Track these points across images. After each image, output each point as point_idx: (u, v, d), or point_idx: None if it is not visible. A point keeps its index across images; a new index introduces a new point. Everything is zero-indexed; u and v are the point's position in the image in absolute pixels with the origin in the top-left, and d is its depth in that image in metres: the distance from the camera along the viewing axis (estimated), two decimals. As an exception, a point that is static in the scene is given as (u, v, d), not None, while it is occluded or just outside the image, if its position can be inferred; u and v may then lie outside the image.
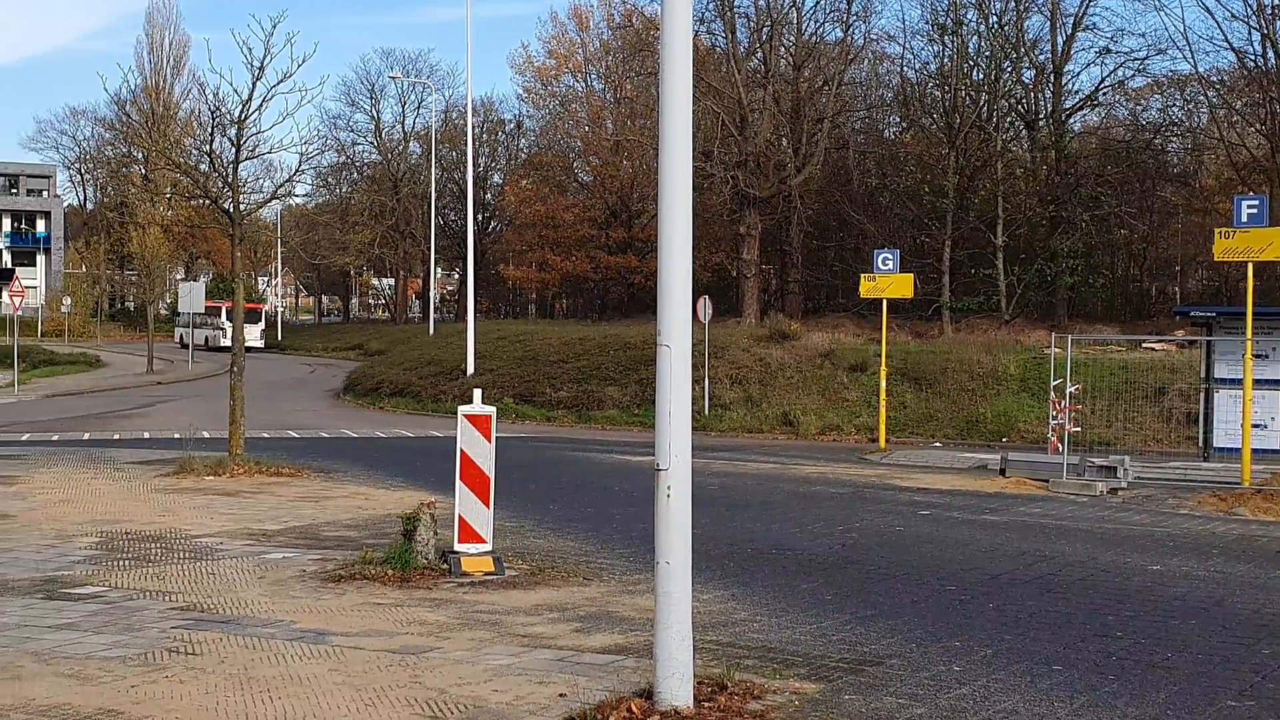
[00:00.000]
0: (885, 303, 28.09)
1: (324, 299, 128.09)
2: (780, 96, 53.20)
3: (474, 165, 54.56)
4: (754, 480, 20.88)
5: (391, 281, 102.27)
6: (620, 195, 69.70)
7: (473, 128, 49.07)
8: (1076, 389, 21.86)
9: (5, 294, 71.62)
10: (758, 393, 33.54)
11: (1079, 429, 22.31)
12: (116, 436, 28.84)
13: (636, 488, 18.75)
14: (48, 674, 7.88)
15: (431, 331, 60.11)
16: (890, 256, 28.15)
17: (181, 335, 77.60)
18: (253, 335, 72.04)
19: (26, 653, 8.41)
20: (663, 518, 7.00)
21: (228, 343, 70.12)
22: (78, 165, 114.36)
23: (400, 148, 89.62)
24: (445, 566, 11.43)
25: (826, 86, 53.86)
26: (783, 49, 54.94)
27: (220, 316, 72.25)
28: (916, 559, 12.95)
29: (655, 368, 7.12)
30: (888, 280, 27.71)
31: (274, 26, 19.55)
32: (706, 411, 31.92)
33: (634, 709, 6.91)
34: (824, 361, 34.87)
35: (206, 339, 74.49)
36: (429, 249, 69.76)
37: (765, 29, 52.87)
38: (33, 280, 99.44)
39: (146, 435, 29.09)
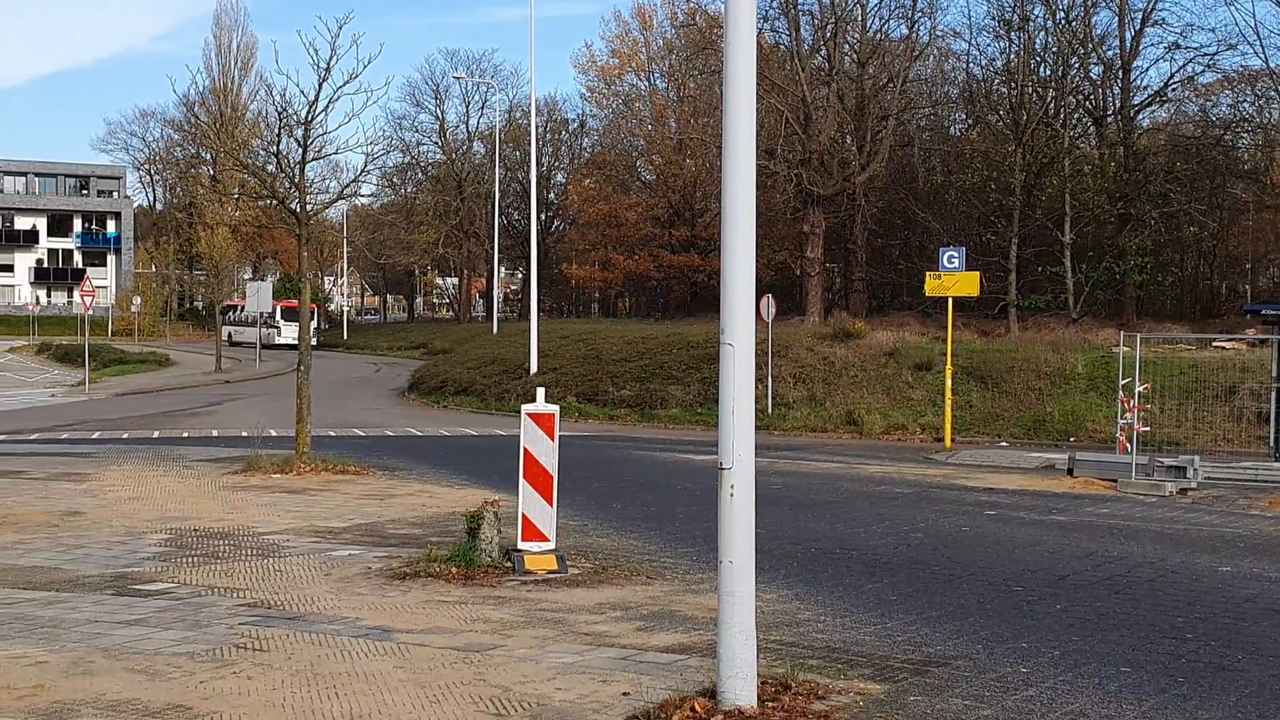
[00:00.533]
0: (951, 301, 27.87)
1: (389, 298, 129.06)
2: (844, 94, 52.94)
3: (537, 165, 54.73)
4: (818, 479, 20.80)
5: (455, 281, 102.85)
6: (683, 194, 69.66)
7: (536, 127, 49.24)
8: (1145, 388, 21.60)
9: (77, 294, 72.77)
10: (821, 392, 33.39)
11: (1148, 428, 22.04)
12: (185, 434, 29.20)
13: (699, 486, 18.73)
14: (118, 669, 7.99)
15: (495, 330, 60.37)
16: (956, 254, 27.93)
17: (230, 334, 79.34)
18: (289, 333, 73.34)
19: (97, 648, 8.53)
20: (726, 517, 6.99)
21: (281, 340, 71.99)
22: (147, 166, 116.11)
23: (464, 148, 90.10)
24: (509, 564, 11.47)
25: (891, 83, 53.54)
26: (847, 46, 54.68)
27: (275, 315, 73.48)
28: (982, 559, 12.84)
29: (718, 367, 7.11)
30: (953, 278, 27.50)
31: (340, 28, 19.72)
32: (770, 410, 31.82)
33: (697, 708, 6.90)
34: (888, 360, 34.65)
35: (260, 338, 75.63)
36: (492, 248, 70.07)
37: (829, 26, 52.64)
38: (103, 280, 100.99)
39: (215, 433, 29.43)
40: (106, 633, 9.03)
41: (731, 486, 6.95)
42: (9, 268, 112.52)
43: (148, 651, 8.44)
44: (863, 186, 52.19)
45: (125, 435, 28.84)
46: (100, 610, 9.87)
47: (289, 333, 72.33)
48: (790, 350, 35.21)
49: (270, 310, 65.57)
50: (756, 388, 7.14)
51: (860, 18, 54.06)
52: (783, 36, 52.85)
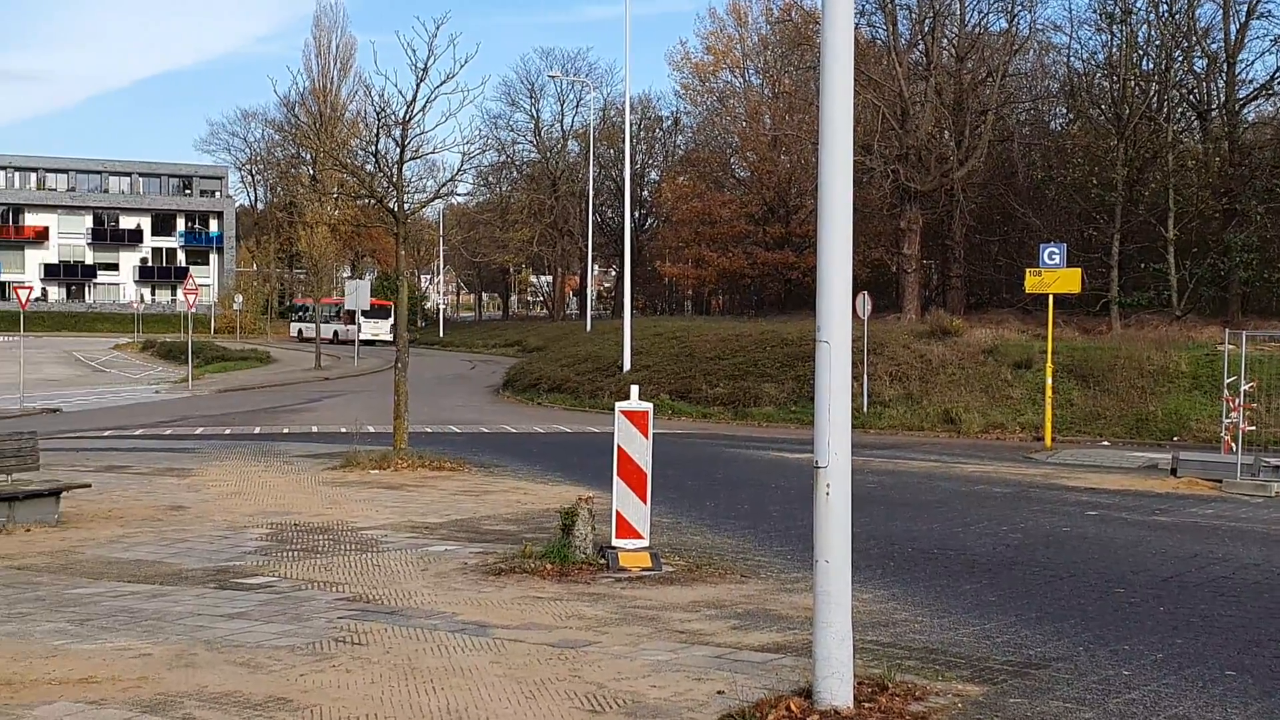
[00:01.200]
0: (1051, 298, 27.47)
1: (484, 296, 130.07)
2: (942, 89, 52.39)
3: (631, 163, 54.92)
4: (914, 478, 20.60)
5: (549, 279, 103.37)
6: (778, 191, 69.37)
7: (630, 125, 49.32)
8: (1251, 387, 21.12)
9: (180, 292, 74.22)
10: (918, 390, 33.07)
11: (1253, 428, 21.54)
12: (285, 431, 29.63)
13: (794, 485, 18.64)
14: (220, 662, 8.12)
15: (588, 328, 60.57)
16: (1057, 251, 27.52)
17: (301, 330, 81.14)
18: (382, 330, 74.99)
19: (200, 641, 8.68)
20: (822, 516, 6.94)
21: (363, 337, 73.84)
22: (249, 166, 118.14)
23: (559, 146, 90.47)
24: (603, 561, 11.49)
25: (990, 78, 52.88)
26: (945, 40, 54.10)
27: (355, 313, 75.19)
28: (1083, 560, 12.63)
29: (813, 364, 7.06)
30: (1054, 275, 27.10)
31: (437, 28, 19.89)
32: (865, 409, 31.58)
33: (793, 708, 6.85)
34: (987, 358, 34.23)
35: (336, 333, 77.88)
36: (586, 246, 70.35)
37: (927, 20, 52.12)
38: (206, 279, 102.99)
39: (314, 429, 29.83)
40: (209, 625, 9.18)
41: (828, 485, 6.90)
42: (114, 266, 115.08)
43: (249, 644, 8.57)
44: (961, 182, 51.60)
45: (227, 431, 29.33)
46: (202, 603, 10.04)
47: (369, 329, 74.22)
48: (886, 348, 34.92)
49: (348, 308, 66.41)
50: (852, 386, 7.07)
51: (959, 12, 53.46)
52: (879, 31, 52.44)
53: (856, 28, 45.92)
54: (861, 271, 47.73)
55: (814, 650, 6.97)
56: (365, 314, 74.00)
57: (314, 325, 74.96)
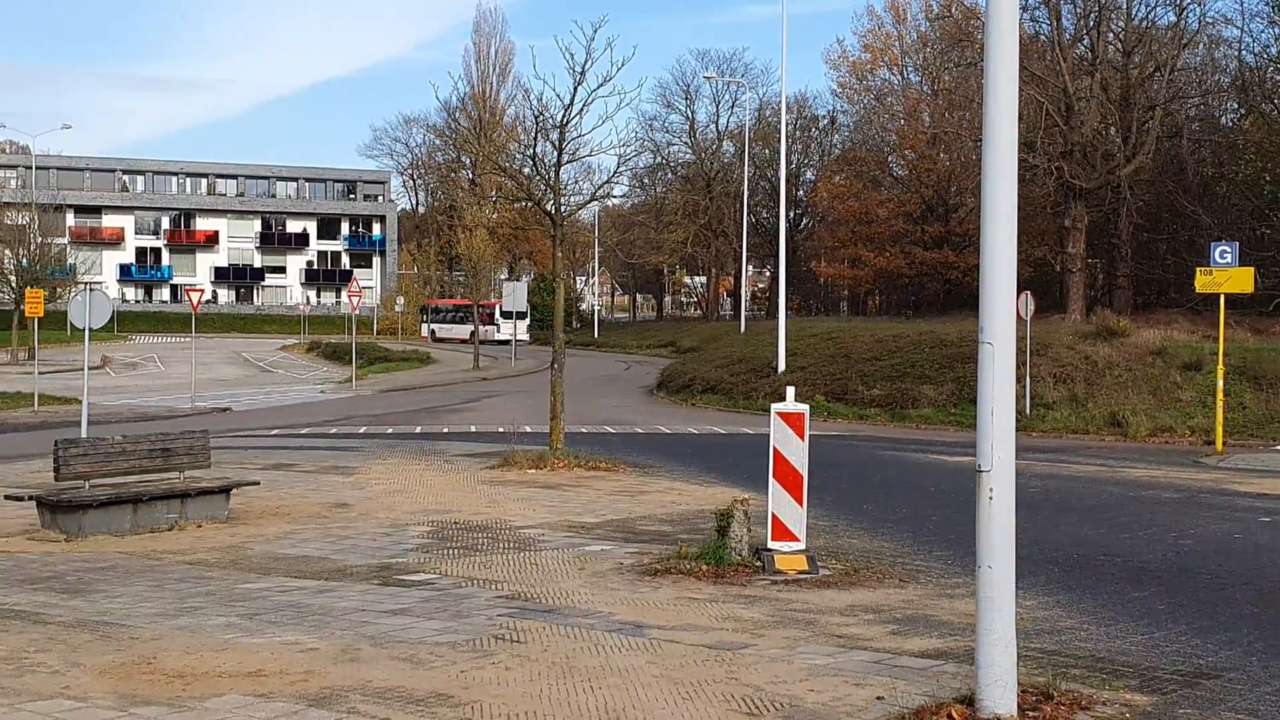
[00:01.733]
0: (1223, 298, 26.59)
1: (638, 297, 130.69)
2: (1108, 84, 51.12)
3: (787, 162, 54.57)
4: (1079, 483, 20.10)
5: (704, 279, 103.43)
6: (937, 189, 68.47)
7: (786, 125, 49.06)
8: None
9: (344, 294, 76.08)
10: (1083, 392, 32.27)
11: None
12: (445, 430, 30.12)
13: (954, 488, 18.34)
14: (383, 657, 8.27)
15: (743, 329, 60.43)
16: (1228, 249, 26.61)
17: (433, 330, 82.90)
18: (519, 330, 76.74)
19: (364, 636, 8.85)
20: (984, 520, 6.81)
21: (500, 337, 75.99)
22: (410, 171, 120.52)
23: (714, 147, 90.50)
24: (759, 563, 11.44)
25: (1158, 73, 51.45)
26: (1111, 35, 52.80)
27: (494, 314, 77.53)
28: (1257, 568, 12.18)
29: (974, 366, 6.93)
30: (1225, 274, 26.22)
31: (595, 31, 20.03)
32: (1028, 411, 30.91)
33: (955, 715, 6.73)
34: (1155, 360, 33.26)
35: (473, 334, 79.38)
36: (741, 247, 70.19)
37: (1092, 14, 50.92)
38: (369, 281, 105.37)
39: (473, 429, 30.27)
40: (372, 621, 9.36)
41: (990, 489, 6.78)
42: (281, 269, 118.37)
43: (411, 640, 8.72)
44: (1128, 179, 50.29)
45: (389, 430, 29.93)
46: (366, 599, 10.24)
47: (507, 330, 76.18)
48: (1050, 349, 34.17)
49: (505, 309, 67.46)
50: (1014, 388, 6.93)
51: (1125, 5, 52.14)
52: (1043, 26, 51.43)
53: (1019, 22, 45.08)
54: (1024, 271, 46.77)
55: (976, 657, 6.84)
56: (504, 315, 75.92)
57: (458, 326, 77.43)
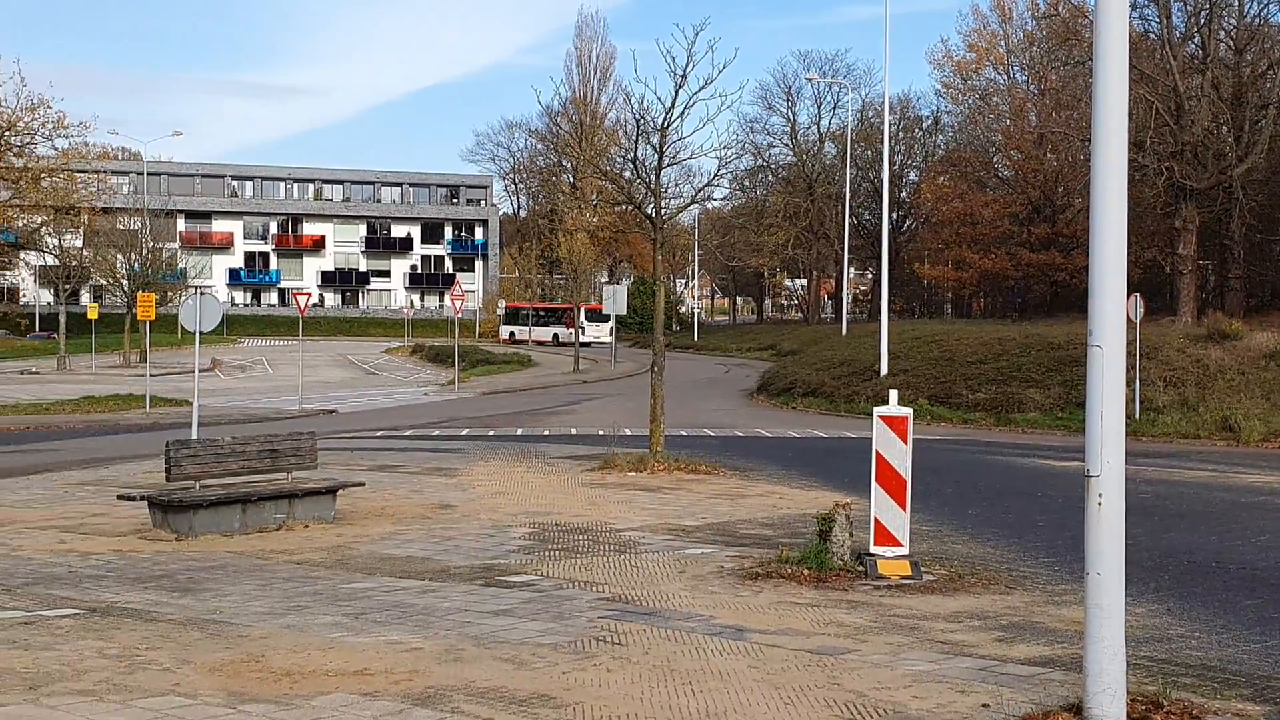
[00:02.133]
0: (1339, 300, 25.91)
1: (738, 300, 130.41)
2: (1220, 82, 50.04)
3: (890, 163, 54.13)
4: (1190, 488, 19.68)
5: (804, 282, 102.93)
6: (1043, 190, 67.50)
7: (889, 125, 48.66)
8: None
9: (447, 297, 76.99)
10: (1194, 396, 31.61)
11: None
12: (546, 432, 30.29)
13: (1061, 494, 18.06)
14: (486, 657, 8.33)
15: (844, 331, 60.04)
16: (1345, 249, 25.92)
17: (512, 332, 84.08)
18: (603, 333, 78.28)
19: (467, 636, 8.92)
20: (1093, 527, 6.69)
21: (585, 339, 78.00)
22: (512, 175, 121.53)
23: (815, 148, 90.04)
24: (861, 568, 11.35)
25: (1272, 70, 50.24)
26: (1222, 32, 51.68)
27: (580, 316, 79.90)
28: (1378, 579, 11.83)
29: (1082, 369, 6.82)
30: (1342, 275, 25.53)
31: (696, 35, 20.04)
32: (1137, 415, 30.34)
33: (1062, 725, 6.63)
34: (1269, 363, 32.49)
35: (556, 336, 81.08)
36: (842, 249, 69.76)
37: (1203, 12, 49.89)
38: (471, 285, 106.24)
39: (573, 431, 30.41)
40: (475, 622, 9.44)
41: (1099, 495, 6.66)
42: (386, 273, 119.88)
43: (513, 641, 8.77)
44: (1240, 179, 49.18)
45: (491, 432, 30.16)
46: (469, 600, 10.33)
47: (592, 332, 78.61)
48: (1159, 352, 33.52)
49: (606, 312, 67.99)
50: (1124, 392, 6.81)
51: (1236, 3, 51.01)
52: (1152, 24, 50.54)
53: (1128, 20, 44.32)
54: (1133, 273, 45.84)
55: (1084, 665, 6.73)
56: (588, 317, 77.30)
57: (538, 329, 78.63)
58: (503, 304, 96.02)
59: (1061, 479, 20.10)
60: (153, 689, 7.53)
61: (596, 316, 78.47)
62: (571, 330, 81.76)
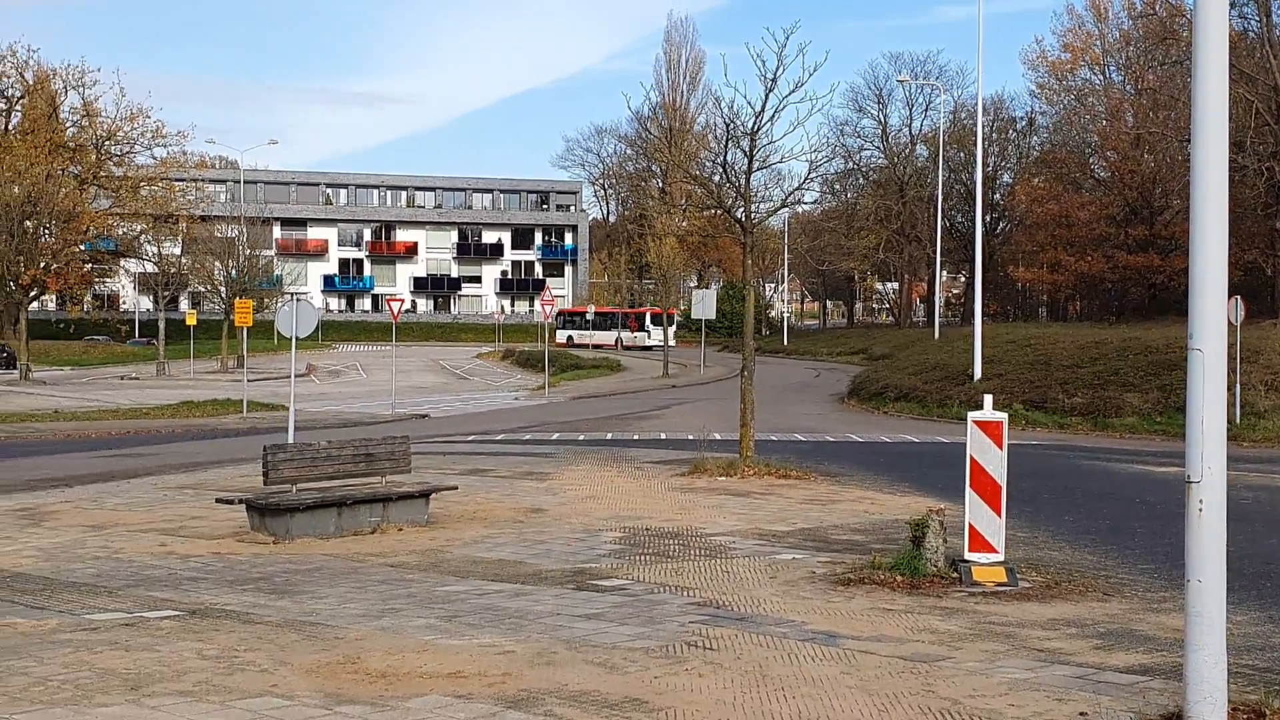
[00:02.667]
0: None
1: (828, 303, 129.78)
2: (1321, 80, 48.93)
3: (983, 165, 53.55)
4: (1292, 495, 19.24)
5: (896, 285, 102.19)
6: (1141, 191, 66.38)
7: (982, 127, 48.12)
8: None
9: (537, 303, 77.63)
10: (1296, 400, 30.92)
11: None
12: (635, 437, 30.33)
13: (1160, 499, 17.76)
14: (578, 661, 8.36)
15: (937, 335, 59.49)
16: None
17: (571, 336, 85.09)
18: (658, 335, 79.58)
19: (559, 640, 8.96)
20: (1194, 533, 6.58)
21: (650, 343, 79.53)
22: (601, 181, 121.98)
23: (907, 151, 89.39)
24: (955, 575, 11.23)
25: (1375, 65, 49.02)
26: (1324, 28, 50.52)
27: (645, 320, 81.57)
28: None
29: (1182, 373, 6.71)
30: None
31: (787, 38, 19.96)
32: (1238, 420, 29.74)
33: (1162, 735, 6.52)
34: (1373, 366, 31.71)
35: (619, 339, 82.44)
36: (934, 252, 69.15)
37: (1304, 7, 48.82)
38: (561, 290, 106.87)
39: (663, 436, 30.42)
40: (567, 625, 9.48)
41: (1200, 501, 6.55)
42: (477, 279, 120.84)
43: (605, 645, 8.80)
44: (1344, 179, 48.07)
45: (581, 437, 30.27)
46: (561, 603, 10.37)
47: (657, 335, 79.53)
48: (1261, 355, 32.83)
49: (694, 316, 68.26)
50: (1225, 396, 6.68)
51: (1340, -4, 49.85)
52: (1252, 23, 49.59)
53: (1228, 19, 43.52)
54: (1233, 275, 45.02)
55: (1184, 673, 6.62)
56: (654, 322, 78.64)
57: (599, 332, 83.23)
58: (555, 308, 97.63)
59: (1160, 484, 19.76)
60: (251, 690, 7.65)
61: (659, 320, 79.98)
62: (635, 334, 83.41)
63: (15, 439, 30.36)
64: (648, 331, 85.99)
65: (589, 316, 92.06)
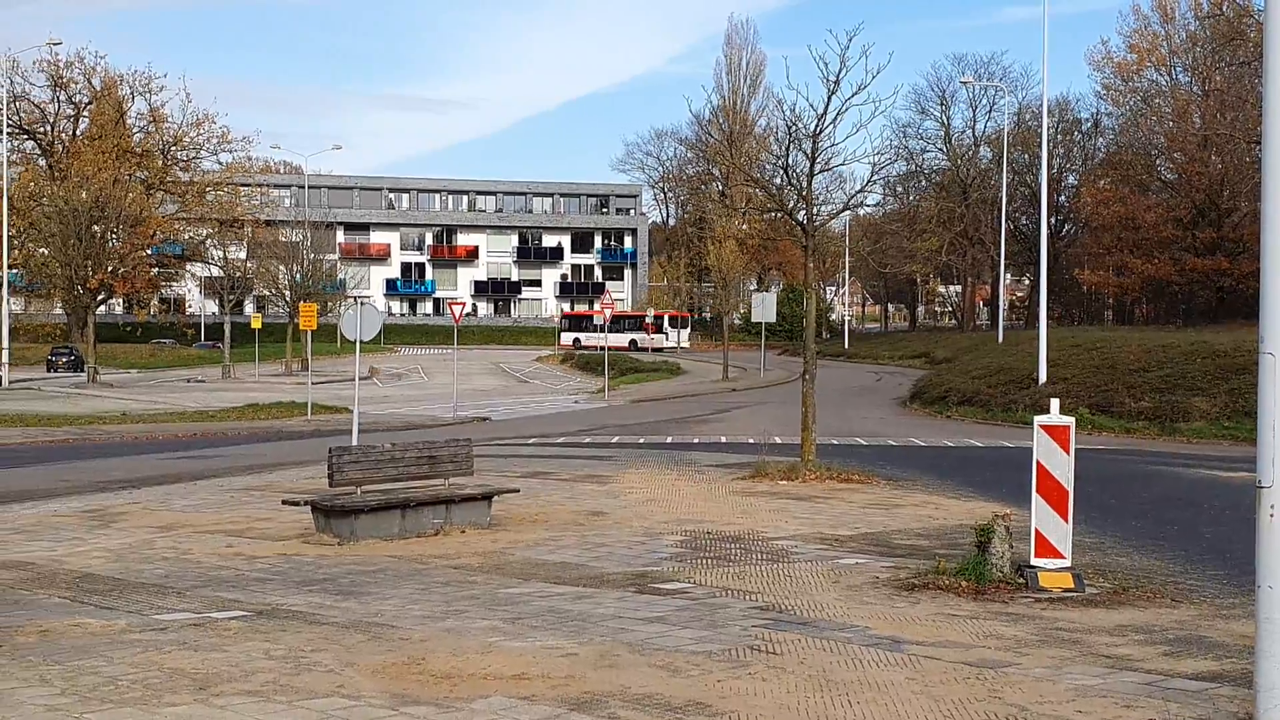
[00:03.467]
0: None
1: (890, 307, 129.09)
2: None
3: (1048, 167, 53.09)
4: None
5: (959, 288, 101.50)
6: (1208, 193, 65.50)
7: (1047, 129, 47.68)
8: None
9: (596, 306, 77.86)
10: (1368, 405, 30.41)
11: None
12: (696, 440, 30.31)
13: (1229, 505, 17.52)
14: (641, 664, 8.36)
15: (1000, 339, 59.02)
16: None
17: (578, 339, 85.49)
18: (683, 338, 79.82)
19: (622, 643, 8.97)
20: (1264, 538, 6.49)
21: (668, 345, 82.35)
22: (661, 184, 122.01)
23: (970, 153, 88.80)
24: (1021, 580, 11.13)
25: None
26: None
27: (664, 323, 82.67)
28: None
29: (1251, 377, 6.63)
30: None
31: (849, 40, 19.88)
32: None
33: (1233, 744, 6.43)
34: None
35: (633, 341, 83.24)
36: (998, 255, 68.62)
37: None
38: (620, 293, 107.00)
39: (723, 439, 30.38)
40: (629, 628, 9.49)
41: (1271, 506, 6.46)
42: (537, 282, 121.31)
43: (668, 648, 8.80)
44: None
45: (641, 440, 30.29)
46: (623, 606, 10.39)
47: (675, 338, 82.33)
48: (1331, 359, 32.31)
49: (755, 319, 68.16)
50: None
51: None
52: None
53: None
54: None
55: (1255, 680, 6.53)
56: (672, 325, 79.10)
57: (600, 335, 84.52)
58: (558, 311, 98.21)
59: (1229, 490, 19.50)
60: (318, 690, 7.72)
61: (676, 322, 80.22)
62: (656, 336, 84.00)
63: (84, 441, 30.83)
64: (665, 334, 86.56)
65: (597, 321, 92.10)
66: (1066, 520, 11.25)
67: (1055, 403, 11.82)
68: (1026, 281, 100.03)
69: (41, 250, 67.41)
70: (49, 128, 79.89)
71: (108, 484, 20.84)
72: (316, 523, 14.49)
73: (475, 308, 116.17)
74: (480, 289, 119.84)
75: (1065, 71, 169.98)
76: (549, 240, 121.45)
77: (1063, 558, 11.24)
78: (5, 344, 55.32)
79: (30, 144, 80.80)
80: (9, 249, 57.82)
